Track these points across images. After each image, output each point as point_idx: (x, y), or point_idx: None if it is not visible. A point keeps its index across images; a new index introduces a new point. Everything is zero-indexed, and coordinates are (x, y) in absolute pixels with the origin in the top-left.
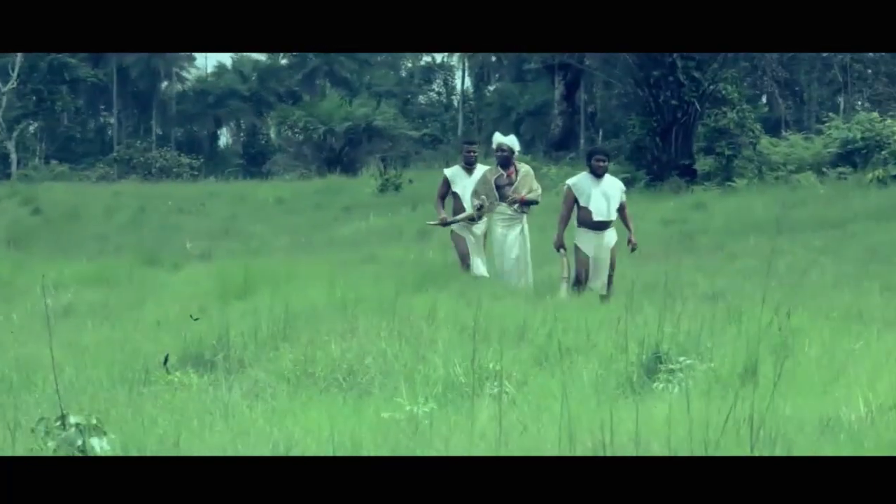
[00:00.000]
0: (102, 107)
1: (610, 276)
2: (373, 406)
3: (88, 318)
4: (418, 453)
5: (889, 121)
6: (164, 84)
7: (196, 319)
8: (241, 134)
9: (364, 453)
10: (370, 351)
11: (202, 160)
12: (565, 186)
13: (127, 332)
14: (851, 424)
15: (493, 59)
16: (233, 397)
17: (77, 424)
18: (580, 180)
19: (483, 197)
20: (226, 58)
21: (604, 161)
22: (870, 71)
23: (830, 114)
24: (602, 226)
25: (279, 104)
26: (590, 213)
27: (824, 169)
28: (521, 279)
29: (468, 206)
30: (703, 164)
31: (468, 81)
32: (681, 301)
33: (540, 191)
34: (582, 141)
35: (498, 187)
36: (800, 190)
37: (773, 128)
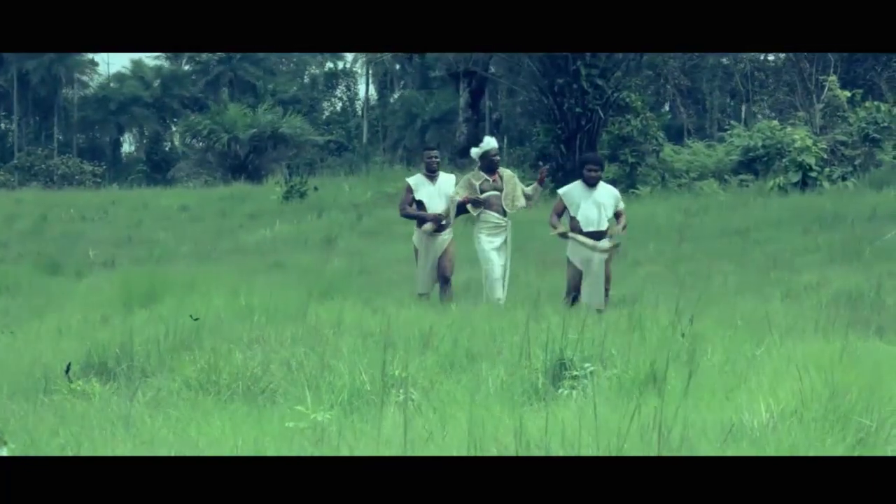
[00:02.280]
0: (3, 113)
1: (606, 290)
2: (277, 414)
3: None
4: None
5: (789, 129)
6: (66, 90)
7: (196, 319)
8: (145, 141)
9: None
10: (275, 359)
11: (105, 167)
12: (557, 196)
13: (28, 341)
14: (754, 430)
15: (398, 66)
16: (135, 406)
17: None
18: (571, 190)
19: (456, 199)
20: (128, 64)
21: (596, 171)
22: (770, 79)
23: (732, 122)
24: (593, 237)
25: (183, 111)
26: (579, 223)
27: (726, 176)
28: (501, 291)
29: (436, 212)
30: (606, 171)
31: (372, 88)
32: (585, 307)
33: (532, 187)
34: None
35: (482, 192)
36: (702, 197)
37: (676, 136)
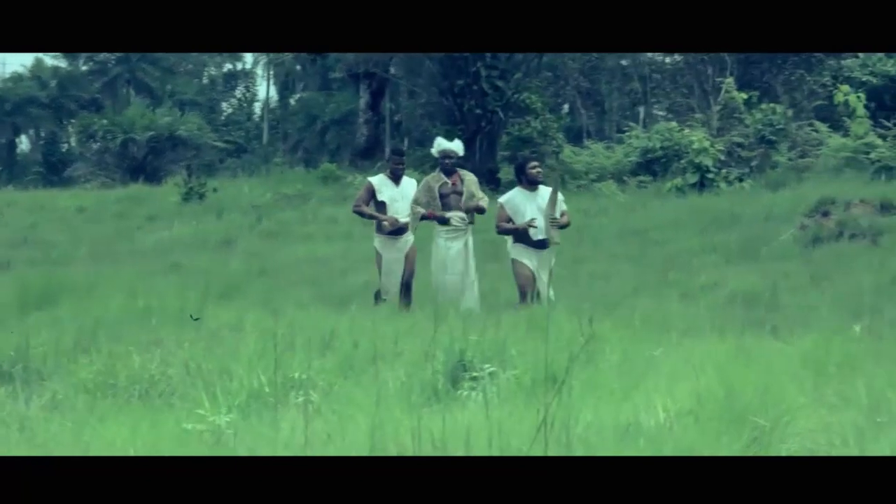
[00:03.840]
0: None
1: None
2: (174, 418)
3: None
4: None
5: (687, 130)
6: None
7: (196, 319)
8: (41, 142)
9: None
10: (173, 362)
11: (0, 168)
12: (498, 204)
13: None
14: (651, 430)
15: (299, 67)
16: (30, 410)
17: None
18: (513, 197)
19: (419, 209)
20: (26, 63)
21: (541, 168)
22: (668, 82)
23: (631, 123)
24: (542, 244)
25: (80, 112)
26: (527, 231)
27: (625, 178)
28: (465, 294)
29: (398, 215)
30: (507, 172)
31: (273, 90)
32: (485, 309)
33: (487, 199)
34: (387, 149)
35: (441, 196)
36: (601, 198)
37: (576, 137)
